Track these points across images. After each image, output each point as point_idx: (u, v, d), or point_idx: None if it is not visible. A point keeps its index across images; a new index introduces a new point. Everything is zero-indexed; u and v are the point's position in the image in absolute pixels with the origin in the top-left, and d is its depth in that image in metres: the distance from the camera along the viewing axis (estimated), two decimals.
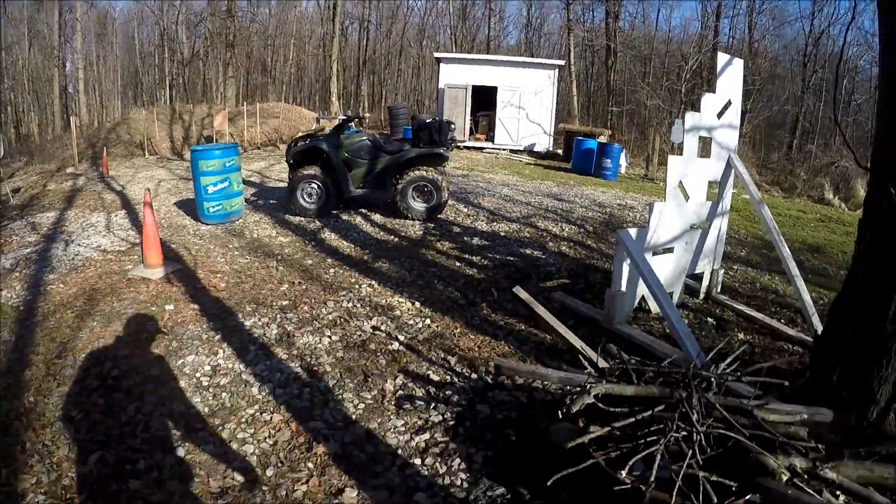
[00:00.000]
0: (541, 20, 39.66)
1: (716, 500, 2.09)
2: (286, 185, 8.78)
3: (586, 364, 3.12)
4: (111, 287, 5.37)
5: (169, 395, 3.61)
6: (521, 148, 18.94)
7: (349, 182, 8.09)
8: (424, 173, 7.98)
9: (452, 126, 8.24)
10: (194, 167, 7.64)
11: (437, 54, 20.14)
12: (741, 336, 4.73)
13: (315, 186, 8.08)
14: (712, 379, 2.76)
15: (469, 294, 5.51)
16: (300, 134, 8.81)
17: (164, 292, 5.26)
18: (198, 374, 3.85)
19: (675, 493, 2.12)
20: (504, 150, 18.72)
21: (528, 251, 6.98)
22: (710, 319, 5.07)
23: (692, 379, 2.62)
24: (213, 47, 32.32)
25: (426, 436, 3.23)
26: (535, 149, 18.94)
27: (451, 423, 3.36)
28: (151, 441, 3.15)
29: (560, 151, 18.71)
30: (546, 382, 3.71)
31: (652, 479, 2.18)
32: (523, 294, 5.18)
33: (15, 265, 6.26)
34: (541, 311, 4.82)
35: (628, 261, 4.41)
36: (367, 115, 21.15)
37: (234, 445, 3.13)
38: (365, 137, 8.36)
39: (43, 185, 13.20)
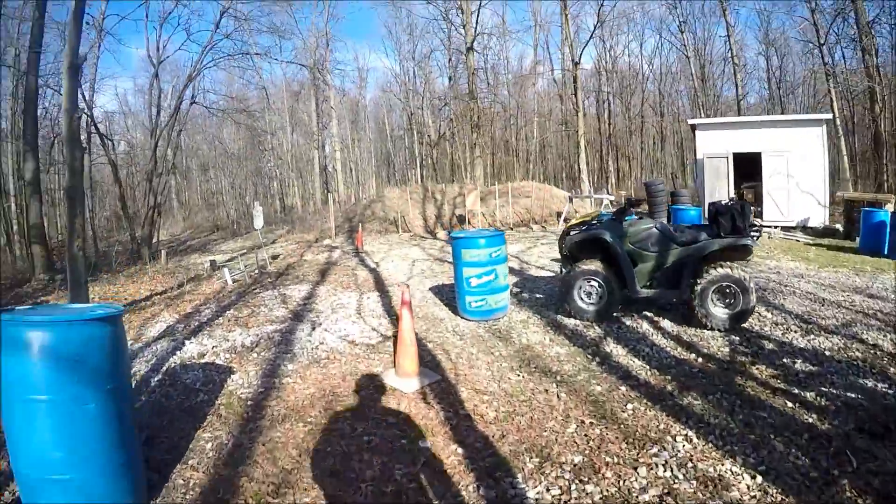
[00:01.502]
0: (781, 71, 34.50)
1: None
2: (550, 273, 7.56)
3: None
4: (354, 395, 4.60)
5: None
6: (794, 224, 15.68)
7: (635, 279, 6.54)
8: (730, 271, 6.12)
9: (753, 209, 6.27)
10: (456, 256, 6.87)
11: (691, 121, 18.09)
12: None
13: (595, 284, 6.70)
14: None
15: (820, 460, 3.51)
16: (574, 220, 7.60)
17: (419, 416, 4.25)
18: None
19: None
20: (775, 227, 15.59)
21: (868, 382, 4.68)
22: None
23: None
24: (459, 128, 34.11)
25: None
26: (810, 224, 15.55)
27: None
28: None
29: (839, 226, 15.05)
30: None
31: None
32: None
33: (255, 343, 5.94)
34: None
35: None
36: (628, 195, 19.60)
37: None
38: (651, 225, 6.81)
39: (300, 255, 14.11)
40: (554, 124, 40.66)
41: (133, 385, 4.91)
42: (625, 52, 40.37)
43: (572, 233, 7.00)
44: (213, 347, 6.11)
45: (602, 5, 27.23)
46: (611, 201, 17.16)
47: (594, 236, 6.68)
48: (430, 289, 8.71)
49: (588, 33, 30.90)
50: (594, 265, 6.60)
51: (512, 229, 16.94)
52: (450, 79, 35.60)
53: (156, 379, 5.39)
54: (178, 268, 14.77)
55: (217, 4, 20.01)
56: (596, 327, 6.48)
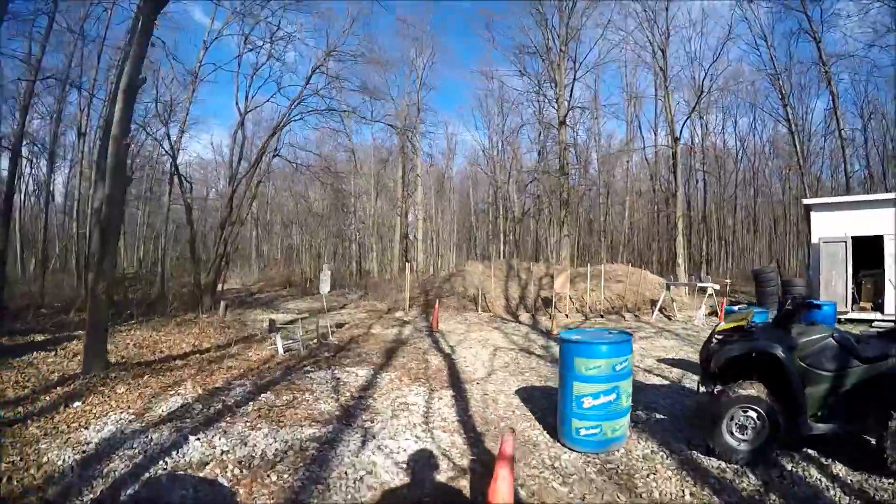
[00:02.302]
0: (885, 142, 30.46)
1: None
2: (662, 380, 5.46)
3: None
4: None
5: None
6: None
7: (806, 409, 4.43)
8: None
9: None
10: (566, 364, 4.93)
11: (807, 201, 15.47)
12: None
13: (753, 415, 4.60)
14: None
15: None
16: (722, 325, 5.49)
17: None
18: None
19: None
20: None
21: None
22: None
23: None
24: (547, 205, 32.56)
25: None
26: None
27: None
28: None
29: None
30: None
31: None
32: None
33: (281, 455, 4.20)
34: None
35: None
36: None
37: None
38: (826, 334, 4.73)
39: (368, 327, 12.49)
40: (644, 204, 38.39)
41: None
42: (718, 128, 38.31)
43: (717, 340, 5.01)
44: (222, 453, 4.38)
45: (706, 75, 25.42)
46: (715, 290, 14.70)
47: (760, 349, 4.64)
48: (518, 392, 6.71)
49: (681, 109, 29.12)
50: (755, 389, 4.57)
51: (602, 317, 14.78)
52: (539, 153, 34.45)
53: (129, 491, 3.72)
54: (235, 322, 13.54)
55: (309, 59, 19.80)
56: (750, 474, 4.34)
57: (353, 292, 22.79)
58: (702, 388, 5.36)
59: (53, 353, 8.69)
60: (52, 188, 23.65)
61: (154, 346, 9.50)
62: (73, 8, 16.83)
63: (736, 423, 4.68)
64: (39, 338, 10.18)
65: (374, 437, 4.85)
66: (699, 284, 15.69)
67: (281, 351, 9.01)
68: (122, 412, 5.53)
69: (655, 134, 36.51)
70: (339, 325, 12.72)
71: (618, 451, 4.84)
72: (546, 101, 28.40)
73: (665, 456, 4.77)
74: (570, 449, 4.86)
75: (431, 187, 44.53)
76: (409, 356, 8.83)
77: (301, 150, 23.19)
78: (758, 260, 35.32)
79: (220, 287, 17.65)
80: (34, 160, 24.80)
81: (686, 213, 28.10)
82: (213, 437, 4.74)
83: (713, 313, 14.14)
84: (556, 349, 10.02)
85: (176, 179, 17.75)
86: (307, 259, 39.67)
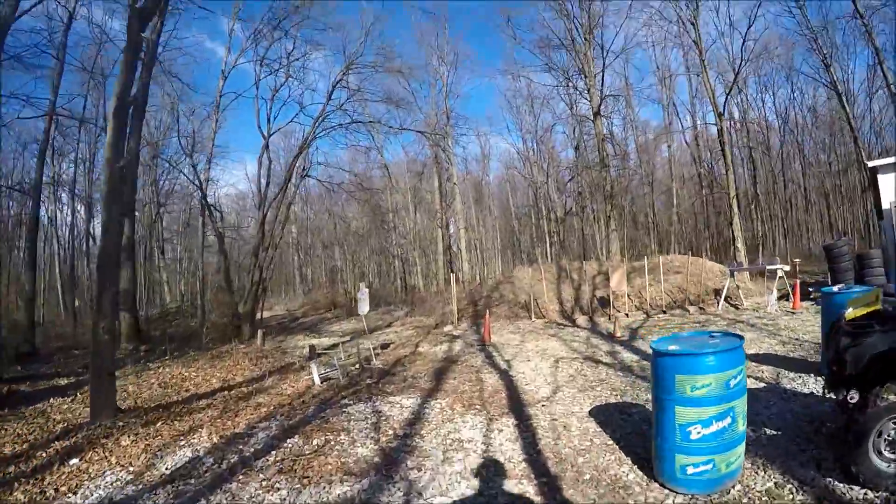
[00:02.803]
0: None
1: None
2: (759, 381, 4.18)
3: None
4: None
5: None
6: None
7: None
8: None
9: None
10: (662, 385, 3.79)
11: (872, 162, 13.29)
12: None
13: None
14: None
15: None
16: (851, 312, 4.17)
17: None
18: None
19: None
20: None
21: None
22: None
23: None
24: (590, 201, 31.02)
25: None
26: None
27: None
28: None
29: None
30: None
31: None
32: None
33: None
34: None
35: None
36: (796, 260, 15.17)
37: None
38: None
39: (415, 345, 11.43)
40: (690, 190, 36.31)
41: None
42: (758, 102, 35.82)
43: (847, 331, 3.77)
44: None
45: (744, 43, 22.95)
46: (786, 272, 13.05)
47: None
48: (592, 414, 5.50)
49: (717, 87, 26.75)
50: None
51: (665, 312, 13.28)
52: (576, 149, 32.94)
53: None
54: (275, 350, 12.74)
55: (329, 76, 19.17)
56: None
57: (398, 309, 21.86)
58: (829, 394, 4.11)
59: (72, 398, 8.02)
60: (91, 230, 23.73)
61: (180, 385, 8.69)
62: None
63: (886, 440, 3.46)
64: (63, 381, 9.59)
65: (420, 495, 3.75)
66: (769, 266, 13.91)
67: (318, 381, 8.05)
68: (121, 470, 4.65)
69: (693, 116, 34.61)
70: (385, 346, 11.74)
71: (734, 487, 3.63)
72: (577, 93, 26.81)
73: (794, 489, 3.54)
74: (673, 491, 3.67)
75: (470, 195, 43.42)
76: (462, 376, 7.72)
77: (333, 168, 22.54)
78: (813, 237, 32.92)
79: (259, 315, 16.97)
80: (74, 203, 25.02)
81: (737, 194, 26.16)
82: (218, 502, 3.75)
83: (784, 296, 12.59)
84: (624, 354, 8.75)
85: (207, 211, 17.25)
86: (351, 279, 39.07)
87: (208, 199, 17.32)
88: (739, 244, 20.92)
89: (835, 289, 6.53)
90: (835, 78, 25.56)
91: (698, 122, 34.04)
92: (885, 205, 12.58)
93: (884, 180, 12.75)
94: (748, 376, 5.86)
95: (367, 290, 11.52)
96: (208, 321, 16.60)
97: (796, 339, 8.44)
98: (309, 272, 43.99)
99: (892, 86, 22.64)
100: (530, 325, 13.17)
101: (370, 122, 20.50)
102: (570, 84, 26.83)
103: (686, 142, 35.55)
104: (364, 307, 10.90)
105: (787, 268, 13.25)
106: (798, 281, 12.46)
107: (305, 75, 39.11)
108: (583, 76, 24.40)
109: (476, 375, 7.71)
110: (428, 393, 6.85)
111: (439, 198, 33.33)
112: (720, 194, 28.65)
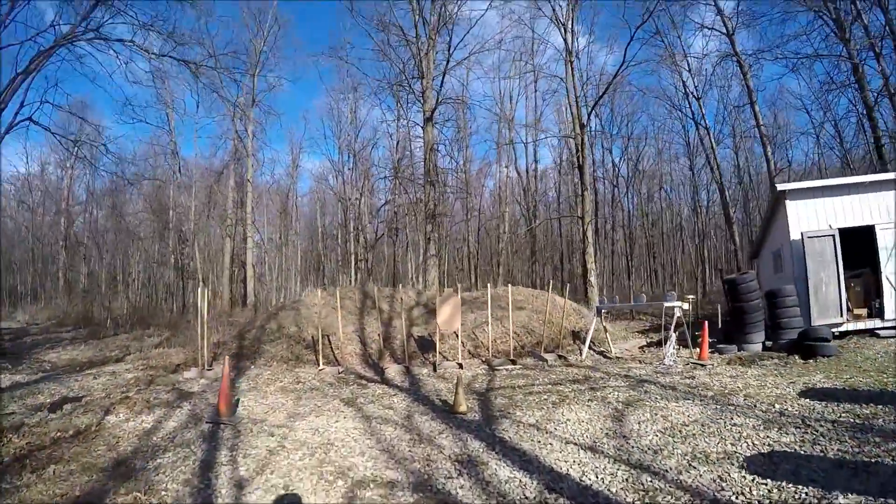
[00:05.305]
0: None
1: None
2: None
3: None
4: None
5: None
6: None
7: None
8: None
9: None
10: None
11: (781, 186, 12.07)
12: None
13: None
14: None
15: None
16: None
17: None
18: None
19: None
20: None
21: None
22: None
23: None
24: (411, 217, 28.33)
25: None
26: None
27: None
28: None
29: None
30: None
31: None
32: None
33: None
34: None
35: None
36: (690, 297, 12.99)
37: None
38: None
39: (108, 408, 7.14)
40: (515, 221, 35.55)
41: None
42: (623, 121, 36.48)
43: None
44: None
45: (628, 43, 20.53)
46: (684, 311, 10.91)
47: None
48: None
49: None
50: None
51: (514, 362, 10.52)
52: (398, 161, 30.25)
53: None
54: None
55: None
56: None
57: (157, 334, 16.68)
58: None
59: None
60: None
61: None
62: None
63: None
64: None
65: None
66: (665, 304, 11.36)
67: None
68: None
69: (559, 121, 34.26)
70: (61, 404, 7.33)
71: None
72: (413, 96, 23.72)
73: None
74: None
75: (274, 207, 39.01)
76: None
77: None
78: (683, 274, 33.57)
79: None
80: None
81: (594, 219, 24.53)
82: None
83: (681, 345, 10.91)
84: (492, 467, 4.93)
85: None
86: (125, 290, 32.19)
87: None
88: (593, 278, 18.98)
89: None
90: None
91: (559, 130, 33.22)
92: (793, 235, 11.21)
93: (793, 207, 11.41)
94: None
95: None
96: None
97: (779, 413, 6.03)
98: (82, 277, 34.61)
99: (761, 128, 22.79)
100: (317, 375, 9.61)
101: (121, 40, 14.44)
102: (405, 78, 23.19)
103: (518, 172, 35.04)
104: None
105: (687, 306, 11.02)
106: (706, 323, 10.41)
107: None
108: (420, 78, 21.52)
109: None
110: None
111: (232, 203, 28.22)
112: (572, 219, 27.49)
